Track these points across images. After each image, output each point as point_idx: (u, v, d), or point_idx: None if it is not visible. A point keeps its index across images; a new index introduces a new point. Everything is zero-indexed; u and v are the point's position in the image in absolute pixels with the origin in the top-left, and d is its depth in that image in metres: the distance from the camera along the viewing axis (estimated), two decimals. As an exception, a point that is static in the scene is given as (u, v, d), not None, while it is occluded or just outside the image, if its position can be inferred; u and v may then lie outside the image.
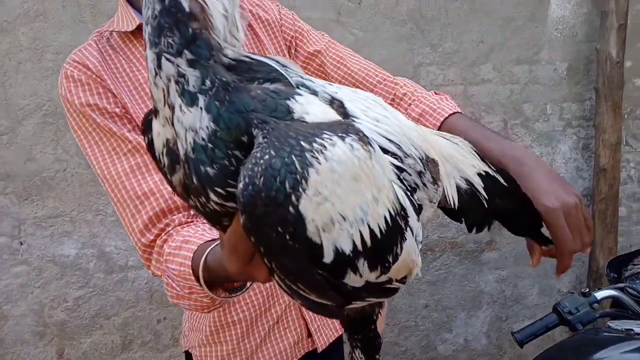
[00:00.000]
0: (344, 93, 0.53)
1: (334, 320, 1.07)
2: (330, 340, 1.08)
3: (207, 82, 0.44)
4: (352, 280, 0.48)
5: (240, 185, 0.41)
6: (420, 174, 0.57)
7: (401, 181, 0.52)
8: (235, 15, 0.46)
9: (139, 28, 0.91)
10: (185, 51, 0.43)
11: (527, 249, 0.87)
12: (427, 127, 0.90)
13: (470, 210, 0.68)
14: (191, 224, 0.85)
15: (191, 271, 0.74)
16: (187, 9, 0.43)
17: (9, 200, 1.98)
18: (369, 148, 0.46)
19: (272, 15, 1.02)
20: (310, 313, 1.05)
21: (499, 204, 0.71)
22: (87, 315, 2.09)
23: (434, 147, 0.63)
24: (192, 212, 0.86)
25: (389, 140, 0.54)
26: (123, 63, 0.93)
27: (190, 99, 0.44)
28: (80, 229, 2.04)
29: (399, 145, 0.55)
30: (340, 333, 1.11)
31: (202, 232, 0.80)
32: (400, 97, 0.99)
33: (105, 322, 2.10)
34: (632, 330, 1.09)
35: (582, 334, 1.18)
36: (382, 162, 0.48)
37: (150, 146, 0.52)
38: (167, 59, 0.43)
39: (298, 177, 0.41)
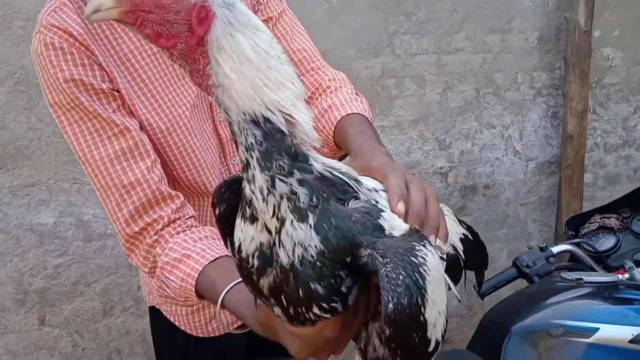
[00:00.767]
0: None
1: None
2: None
3: (314, 199, 0.50)
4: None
5: (390, 305, 0.48)
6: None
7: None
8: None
9: None
10: (295, 171, 0.49)
11: None
12: (330, 120, 0.93)
13: (452, 270, 0.77)
14: (180, 225, 0.85)
15: (194, 290, 0.78)
16: (286, 132, 0.48)
17: (-17, 169, 1.97)
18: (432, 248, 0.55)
19: None
20: None
21: (471, 261, 0.84)
22: (68, 282, 2.12)
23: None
24: (185, 213, 0.86)
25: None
26: (105, 29, 0.86)
27: (301, 216, 0.49)
28: (58, 197, 2.05)
29: None
30: None
31: (201, 246, 0.82)
32: (323, 88, 1.00)
33: (85, 288, 2.14)
34: (582, 279, 1.18)
35: (538, 284, 1.26)
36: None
37: (221, 219, 0.60)
38: (281, 180, 0.48)
39: (423, 291, 0.50)
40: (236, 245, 0.55)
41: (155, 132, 0.90)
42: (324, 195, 0.51)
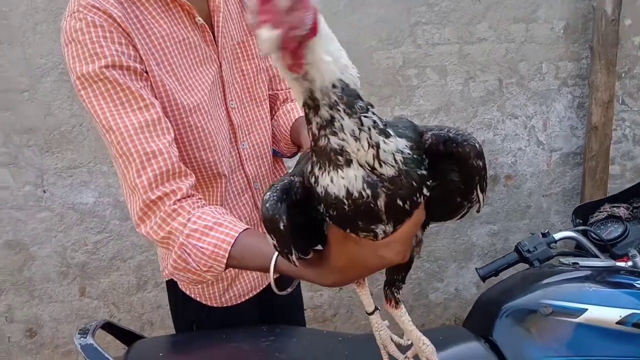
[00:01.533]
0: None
1: None
2: None
3: (382, 120, 0.64)
4: None
5: (476, 145, 0.67)
6: None
7: None
8: None
9: None
10: (368, 107, 0.63)
11: None
12: (289, 119, 1.16)
13: None
14: (198, 202, 0.89)
15: (226, 255, 0.82)
16: (353, 85, 0.62)
17: (32, 152, 2.16)
18: None
19: None
20: None
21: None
22: (105, 257, 2.30)
23: None
24: (197, 193, 0.91)
25: None
26: (138, 14, 0.93)
27: (386, 134, 0.63)
28: (97, 179, 2.22)
29: None
30: None
31: (229, 218, 0.86)
32: (291, 97, 1.21)
33: (121, 264, 2.31)
34: (578, 263, 1.21)
35: (537, 268, 1.30)
36: None
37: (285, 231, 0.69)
38: (365, 116, 0.62)
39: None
40: (340, 194, 0.65)
41: (180, 112, 0.97)
42: (382, 117, 0.67)
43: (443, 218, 0.81)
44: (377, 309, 0.89)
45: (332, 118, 0.61)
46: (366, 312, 0.89)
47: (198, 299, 1.14)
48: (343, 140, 0.61)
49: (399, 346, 0.91)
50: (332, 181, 0.64)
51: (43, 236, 2.23)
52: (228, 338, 1.09)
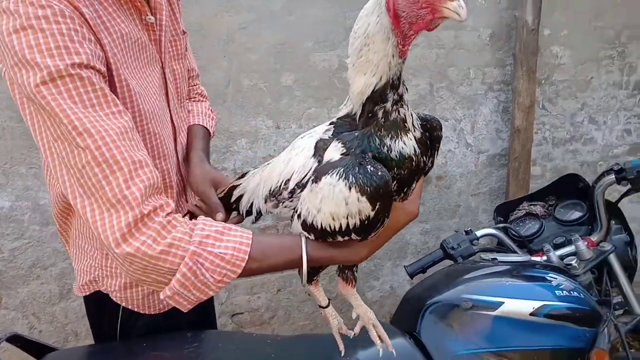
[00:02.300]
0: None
1: None
2: None
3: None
4: None
5: (440, 121, 0.89)
6: None
7: None
8: None
9: None
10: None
11: None
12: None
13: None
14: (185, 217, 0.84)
15: (247, 256, 0.77)
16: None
17: (-63, 152, 1.98)
18: None
19: None
20: None
21: None
22: (24, 265, 2.14)
23: None
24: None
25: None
26: (100, 12, 0.84)
27: (412, 116, 0.82)
28: (14, 181, 2.07)
29: None
30: None
31: (228, 224, 0.81)
32: (193, 95, 1.30)
33: (42, 272, 2.17)
34: (497, 259, 1.27)
35: (460, 264, 1.36)
36: None
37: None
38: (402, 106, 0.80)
39: None
40: (412, 152, 0.80)
41: (142, 118, 0.90)
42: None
43: None
44: (329, 300, 0.96)
45: (402, 94, 0.78)
46: (320, 307, 0.96)
47: (136, 309, 1.05)
48: (407, 110, 0.79)
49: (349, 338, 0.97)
50: (405, 144, 0.79)
51: (-49, 244, 2.05)
52: (150, 346, 1.05)
